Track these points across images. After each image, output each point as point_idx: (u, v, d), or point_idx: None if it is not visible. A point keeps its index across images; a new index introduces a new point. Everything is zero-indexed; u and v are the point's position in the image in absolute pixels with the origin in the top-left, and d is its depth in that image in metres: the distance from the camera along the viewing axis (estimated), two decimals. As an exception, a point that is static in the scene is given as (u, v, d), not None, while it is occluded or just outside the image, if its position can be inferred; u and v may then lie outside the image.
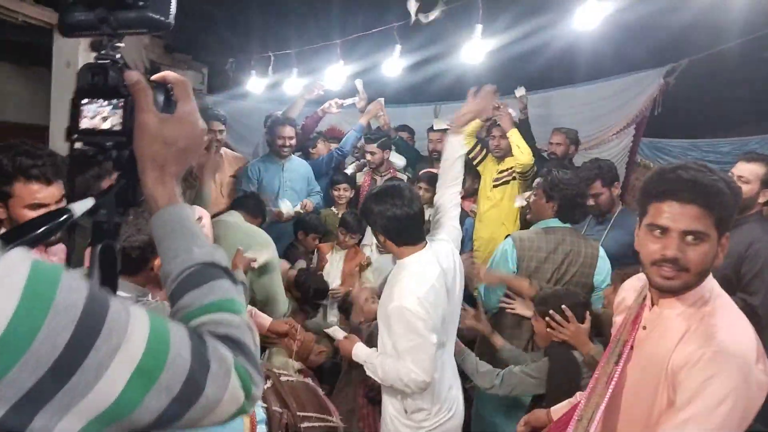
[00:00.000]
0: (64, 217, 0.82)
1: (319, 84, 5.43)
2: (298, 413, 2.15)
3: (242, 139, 6.69)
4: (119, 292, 1.79)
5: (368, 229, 4.43)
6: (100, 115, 0.89)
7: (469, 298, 2.89)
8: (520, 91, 4.74)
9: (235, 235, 3.34)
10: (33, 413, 0.61)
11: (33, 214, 1.93)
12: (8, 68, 7.65)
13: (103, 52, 0.91)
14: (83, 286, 0.65)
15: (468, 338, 2.98)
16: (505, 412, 2.95)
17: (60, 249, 2.24)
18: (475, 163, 4.69)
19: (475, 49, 4.27)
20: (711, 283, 1.54)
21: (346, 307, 3.64)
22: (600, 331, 2.59)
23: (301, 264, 4.25)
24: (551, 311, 2.53)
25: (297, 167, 4.93)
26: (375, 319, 2.69)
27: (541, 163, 4.37)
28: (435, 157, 5.20)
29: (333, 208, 4.96)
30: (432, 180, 4.73)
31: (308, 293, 3.91)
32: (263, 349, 3.10)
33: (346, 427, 2.58)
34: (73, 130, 0.90)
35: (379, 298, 2.73)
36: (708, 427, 1.34)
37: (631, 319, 1.67)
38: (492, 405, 3.03)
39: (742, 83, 5.42)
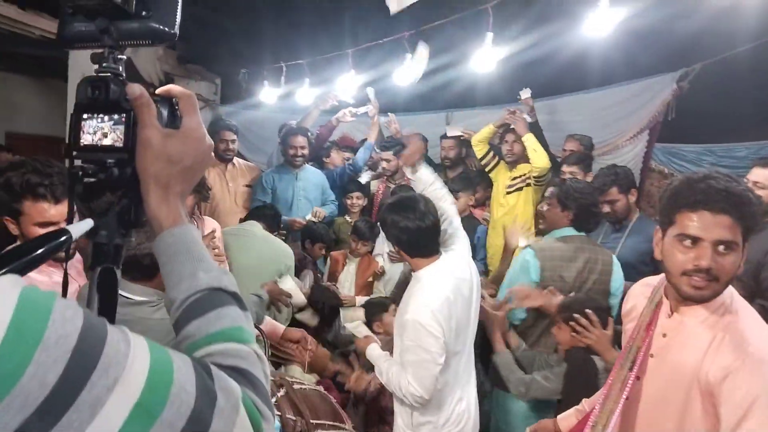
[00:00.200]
0: (63, 238, 0.77)
1: (333, 95, 5.47)
2: (312, 421, 2.16)
3: (256, 149, 6.74)
4: (139, 297, 1.83)
5: (379, 238, 4.45)
6: (100, 131, 0.83)
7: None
8: (525, 93, 4.71)
9: (260, 246, 3.38)
10: None
11: (43, 231, 1.95)
12: (25, 81, 7.78)
13: (104, 64, 0.85)
14: (78, 315, 0.60)
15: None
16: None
17: (78, 260, 2.26)
18: (487, 169, 4.68)
19: (486, 57, 4.27)
20: (730, 290, 1.55)
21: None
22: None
23: (309, 275, 4.23)
24: (575, 315, 2.52)
25: (311, 176, 4.96)
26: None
27: (555, 169, 4.36)
28: (447, 165, 5.21)
29: (346, 217, 4.98)
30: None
31: (324, 311, 3.91)
32: (278, 365, 3.11)
33: None
34: (72, 146, 0.84)
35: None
36: None
37: (644, 326, 1.67)
38: (512, 418, 2.99)
39: (757, 87, 5.36)
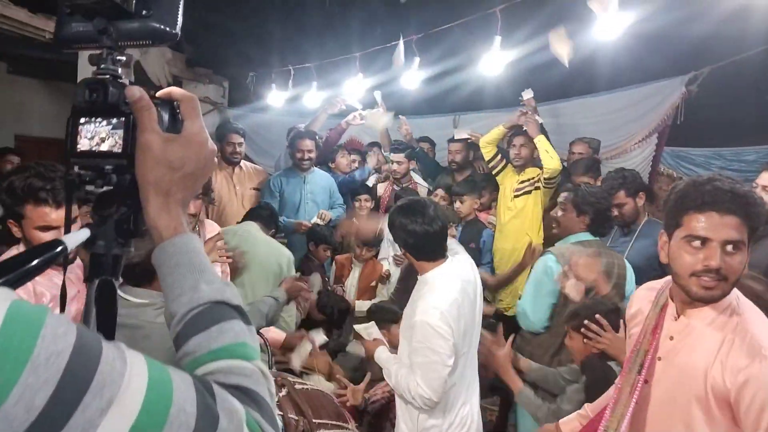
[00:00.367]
0: (59, 249, 0.73)
1: (341, 99, 5.49)
2: (314, 420, 2.16)
3: (263, 152, 6.76)
4: (140, 300, 1.83)
5: (384, 242, 4.45)
6: (98, 136, 0.79)
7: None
8: (527, 93, 4.68)
9: (260, 248, 3.38)
10: None
11: (44, 235, 2.00)
12: (35, 84, 7.84)
13: (102, 66, 0.81)
14: (71, 331, 0.56)
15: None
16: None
17: (78, 266, 2.28)
18: (494, 172, 4.67)
19: (494, 61, 4.27)
20: (735, 291, 1.57)
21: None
22: None
23: (317, 278, 4.24)
24: (586, 322, 2.47)
25: (319, 180, 4.97)
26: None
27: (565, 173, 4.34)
28: (454, 168, 5.21)
29: (354, 219, 4.98)
30: (449, 188, 4.76)
31: (333, 316, 3.90)
32: (302, 374, 3.11)
33: None
34: (69, 152, 0.80)
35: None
36: None
37: (650, 330, 1.68)
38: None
39: (767, 91, 5.34)
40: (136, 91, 0.78)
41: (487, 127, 4.81)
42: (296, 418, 2.12)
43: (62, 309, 0.86)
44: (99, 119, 0.79)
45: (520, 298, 3.14)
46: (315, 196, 4.88)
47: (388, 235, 3.76)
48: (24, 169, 2.03)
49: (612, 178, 3.60)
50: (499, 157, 4.64)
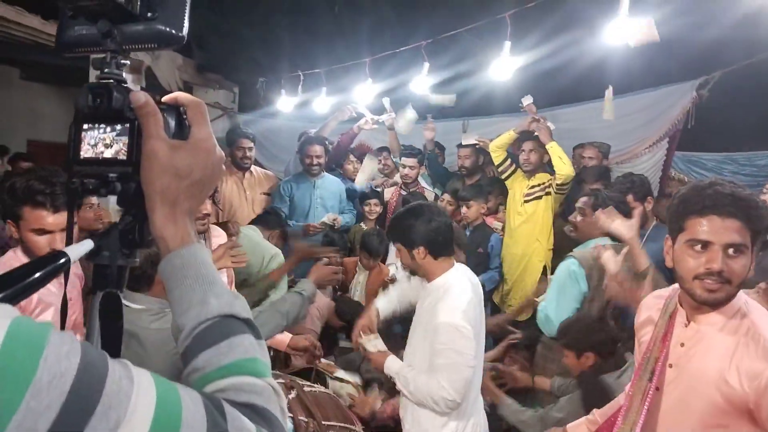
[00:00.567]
0: (61, 261, 0.69)
1: (351, 107, 5.51)
2: (323, 422, 2.18)
3: (273, 158, 6.78)
4: (138, 305, 1.84)
5: (392, 247, 4.43)
6: (102, 143, 0.75)
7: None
8: (527, 99, 4.65)
9: (247, 248, 3.38)
10: None
11: (38, 238, 2.03)
12: (47, 90, 7.93)
13: (106, 70, 0.78)
14: (75, 351, 0.53)
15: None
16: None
17: (74, 273, 2.29)
18: (504, 177, 4.66)
19: (504, 66, 4.27)
20: (742, 294, 1.59)
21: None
22: None
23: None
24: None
25: (329, 185, 4.99)
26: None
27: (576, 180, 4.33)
28: (464, 173, 5.20)
29: (362, 224, 4.99)
30: (455, 193, 4.75)
31: (352, 322, 3.89)
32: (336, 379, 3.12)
33: None
34: (72, 159, 0.77)
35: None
36: None
37: (660, 337, 1.69)
38: None
39: (778, 95, 5.31)
40: (141, 96, 0.76)
41: (497, 132, 4.80)
42: (306, 419, 2.15)
43: (63, 323, 0.84)
44: (103, 125, 0.76)
45: (537, 304, 3.16)
46: (325, 201, 4.90)
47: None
48: (28, 172, 2.08)
49: (620, 183, 3.59)
50: (508, 161, 4.63)
